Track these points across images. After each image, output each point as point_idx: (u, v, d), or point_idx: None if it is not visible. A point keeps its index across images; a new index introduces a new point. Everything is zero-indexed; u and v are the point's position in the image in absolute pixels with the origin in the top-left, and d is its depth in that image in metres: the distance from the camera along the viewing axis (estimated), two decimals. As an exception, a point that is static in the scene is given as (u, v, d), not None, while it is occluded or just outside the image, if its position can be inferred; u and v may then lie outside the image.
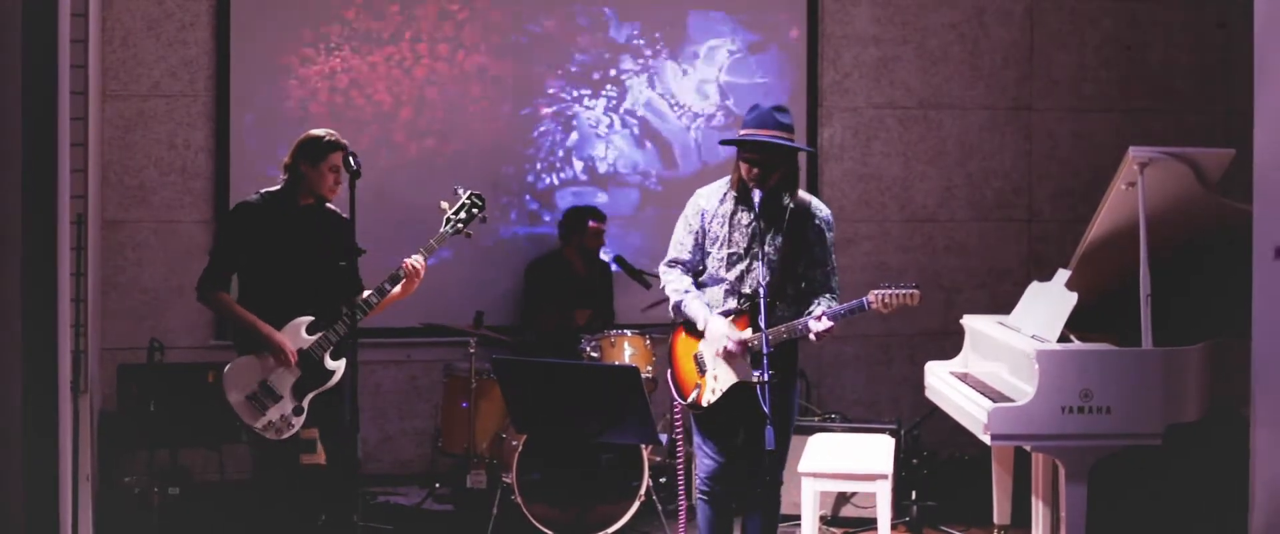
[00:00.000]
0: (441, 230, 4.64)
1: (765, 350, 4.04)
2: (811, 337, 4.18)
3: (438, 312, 6.12)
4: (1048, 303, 4.87)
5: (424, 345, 6.38)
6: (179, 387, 5.65)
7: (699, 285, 4.38)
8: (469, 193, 4.70)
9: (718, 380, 4.28)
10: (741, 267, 4.28)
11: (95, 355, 5.61)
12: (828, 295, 4.32)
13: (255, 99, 6.30)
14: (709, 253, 4.33)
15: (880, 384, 6.92)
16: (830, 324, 4.15)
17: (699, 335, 4.34)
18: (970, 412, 4.77)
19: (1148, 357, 4.49)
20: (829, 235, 4.36)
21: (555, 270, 6.24)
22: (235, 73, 6.28)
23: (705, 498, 4.40)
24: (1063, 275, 4.95)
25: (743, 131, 4.24)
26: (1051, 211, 7.03)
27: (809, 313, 4.25)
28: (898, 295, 4.18)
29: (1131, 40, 7.05)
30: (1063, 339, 4.67)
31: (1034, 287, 5.14)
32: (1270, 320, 3.68)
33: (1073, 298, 4.70)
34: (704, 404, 4.29)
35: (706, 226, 4.33)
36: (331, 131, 4.60)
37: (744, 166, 4.22)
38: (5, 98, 3.45)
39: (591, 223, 6.24)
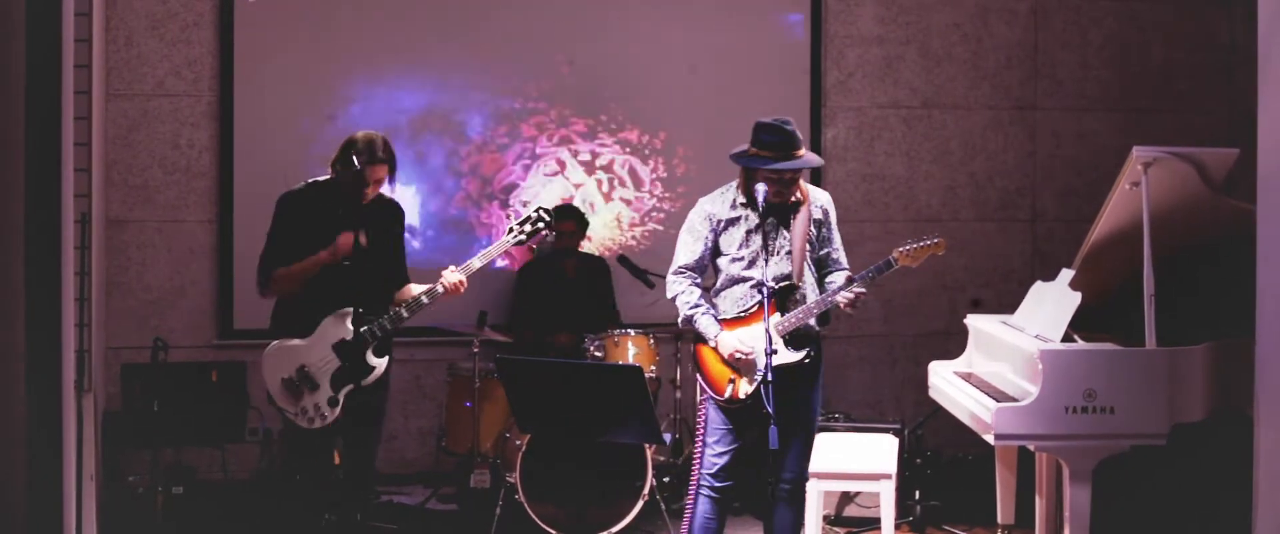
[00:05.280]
0: (503, 238, 4.76)
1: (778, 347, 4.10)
2: (842, 307, 4.29)
3: (442, 312, 6.11)
4: (1052, 303, 4.86)
5: (428, 345, 6.37)
6: (183, 386, 5.66)
7: (717, 291, 4.47)
8: (538, 207, 4.83)
9: (753, 371, 4.31)
10: (760, 264, 4.35)
11: (99, 355, 5.61)
12: (843, 272, 4.47)
13: (259, 98, 6.29)
14: (725, 255, 4.42)
15: (884, 384, 6.91)
16: (859, 290, 4.28)
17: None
18: (974, 411, 4.76)
19: (1152, 356, 4.49)
20: (832, 216, 4.50)
21: (546, 273, 6.21)
22: (239, 72, 6.28)
23: (709, 494, 4.42)
24: (1067, 275, 4.94)
25: (768, 155, 4.29)
26: (1055, 211, 7.02)
27: (830, 286, 4.41)
28: (923, 247, 4.31)
29: (1135, 40, 7.04)
30: (1067, 339, 4.66)
31: (1038, 286, 5.13)
32: (1274, 320, 3.68)
33: (1076, 297, 4.69)
34: (742, 396, 4.29)
35: (718, 232, 4.43)
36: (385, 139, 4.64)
37: (769, 188, 4.31)
38: (9, 97, 3.45)
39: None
